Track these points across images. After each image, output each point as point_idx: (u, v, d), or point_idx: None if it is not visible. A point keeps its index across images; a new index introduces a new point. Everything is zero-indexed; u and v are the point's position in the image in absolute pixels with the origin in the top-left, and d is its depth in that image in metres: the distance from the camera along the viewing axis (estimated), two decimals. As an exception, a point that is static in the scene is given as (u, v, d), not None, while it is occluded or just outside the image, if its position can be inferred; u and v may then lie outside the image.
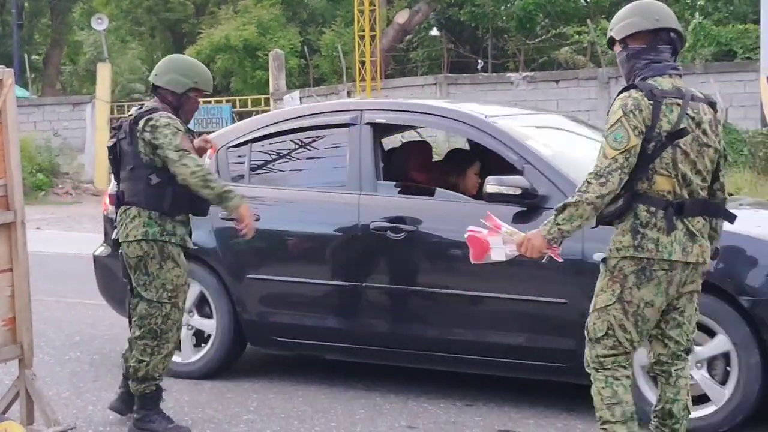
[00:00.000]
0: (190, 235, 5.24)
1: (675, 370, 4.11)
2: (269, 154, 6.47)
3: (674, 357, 4.10)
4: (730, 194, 6.06)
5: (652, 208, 3.91)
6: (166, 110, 5.06)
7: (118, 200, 5.16)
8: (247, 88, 29.24)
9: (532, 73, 23.82)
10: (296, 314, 6.01)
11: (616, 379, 3.99)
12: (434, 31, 33.84)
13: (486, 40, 31.92)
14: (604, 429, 3.99)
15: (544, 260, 4.04)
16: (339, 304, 5.92)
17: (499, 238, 4.10)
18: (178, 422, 5.19)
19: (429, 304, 5.68)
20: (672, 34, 4.03)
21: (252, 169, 6.32)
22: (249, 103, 26.60)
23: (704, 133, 3.98)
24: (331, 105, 6.67)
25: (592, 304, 4.06)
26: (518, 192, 5.29)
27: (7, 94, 4.66)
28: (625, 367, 4.02)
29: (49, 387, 5.87)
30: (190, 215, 5.19)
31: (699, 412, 4.91)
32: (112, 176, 5.40)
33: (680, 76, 4.04)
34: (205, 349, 6.19)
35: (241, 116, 24.65)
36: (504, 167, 5.57)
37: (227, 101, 26.13)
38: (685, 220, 3.93)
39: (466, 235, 4.19)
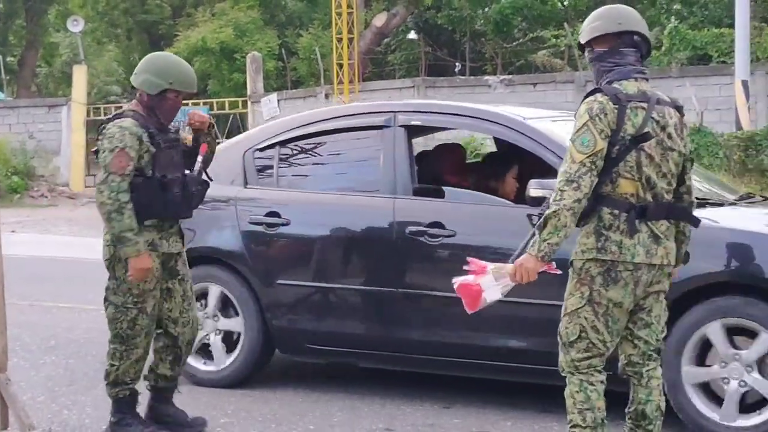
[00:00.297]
0: (182, 237, 5.11)
1: (646, 371, 4.14)
2: (299, 156, 6.26)
3: (645, 357, 4.13)
4: (750, 194, 6.13)
5: (616, 211, 3.95)
6: (138, 112, 4.97)
7: None
8: (224, 91, 29.17)
9: (510, 76, 23.91)
10: (329, 321, 5.83)
11: (591, 384, 4.01)
12: (412, 35, 33.89)
13: (464, 43, 32.02)
14: None
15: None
16: (374, 311, 5.74)
17: (489, 278, 4.04)
18: (156, 427, 5.15)
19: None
20: (636, 37, 4.07)
21: (281, 172, 6.15)
22: (226, 105, 26.54)
23: (669, 136, 4.02)
24: (364, 107, 6.42)
25: (563, 308, 4.07)
26: None
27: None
28: (600, 372, 4.04)
29: (24, 391, 5.83)
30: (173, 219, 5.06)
31: (759, 418, 4.86)
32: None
33: (646, 80, 4.08)
34: (235, 353, 6.04)
35: (218, 119, 24.61)
36: (537, 170, 5.42)
37: (204, 103, 26.04)
38: (648, 223, 3.97)
39: (455, 287, 4.12)
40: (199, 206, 5.22)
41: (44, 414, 5.53)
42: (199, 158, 5.12)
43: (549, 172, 5.27)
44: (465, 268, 4.11)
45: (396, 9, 28.78)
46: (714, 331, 4.94)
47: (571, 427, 4.03)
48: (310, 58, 28.75)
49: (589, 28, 4.12)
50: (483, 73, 28.48)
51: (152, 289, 4.99)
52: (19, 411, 4.79)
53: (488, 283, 4.03)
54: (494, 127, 5.82)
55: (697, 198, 4.52)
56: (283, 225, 5.92)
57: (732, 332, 4.95)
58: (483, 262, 4.09)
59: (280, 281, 5.92)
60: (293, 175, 6.23)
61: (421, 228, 5.54)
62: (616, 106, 3.92)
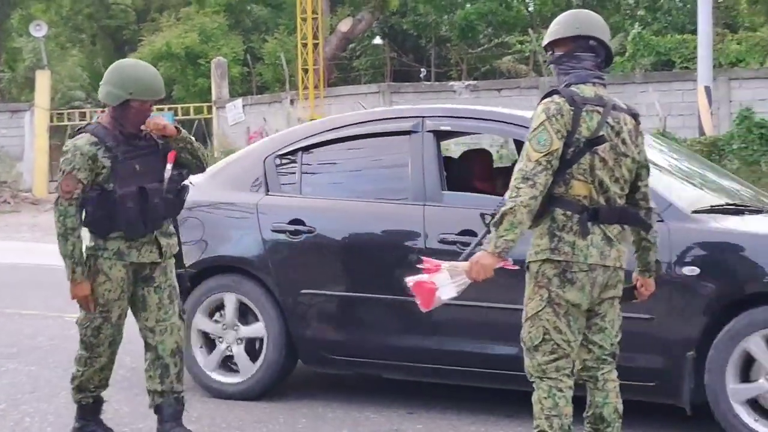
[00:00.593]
0: (159, 248, 4.96)
1: (602, 374, 4.17)
2: (323, 162, 6.08)
3: (599, 361, 4.17)
4: None
5: (568, 212, 3.99)
6: (101, 125, 4.90)
7: None
8: (189, 96, 29.05)
9: (475, 81, 24.03)
10: (356, 332, 5.69)
11: (560, 390, 4.03)
12: (377, 40, 33.97)
13: (429, 49, 32.13)
14: None
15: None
16: (401, 321, 5.55)
17: (444, 275, 4.02)
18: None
19: (501, 321, 5.23)
20: (592, 41, 4.12)
21: (304, 179, 6.01)
22: (191, 110, 26.46)
23: (623, 142, 4.07)
24: (391, 111, 6.26)
25: (523, 313, 4.10)
26: None
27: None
28: (568, 376, 4.06)
29: (-14, 399, 5.79)
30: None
31: None
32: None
33: (604, 85, 4.13)
34: (260, 360, 5.88)
35: (183, 124, 24.50)
36: None
37: (169, 109, 25.93)
38: (601, 226, 4.02)
39: (409, 285, 4.10)
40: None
41: (6, 422, 5.49)
42: (168, 166, 4.99)
43: None
44: (419, 266, 4.11)
45: (361, 14, 28.81)
46: (755, 343, 4.82)
47: None
48: (276, 64, 28.71)
49: (549, 32, 4.22)
50: (448, 78, 28.60)
51: (117, 299, 4.93)
52: (-20, 419, 4.75)
53: (443, 281, 4.02)
54: (524, 132, 5.73)
55: (735, 204, 4.45)
56: (307, 233, 5.80)
57: None
58: (437, 261, 4.10)
59: (304, 290, 5.79)
60: (317, 182, 6.05)
61: (452, 236, 5.39)
62: (572, 108, 3.97)
